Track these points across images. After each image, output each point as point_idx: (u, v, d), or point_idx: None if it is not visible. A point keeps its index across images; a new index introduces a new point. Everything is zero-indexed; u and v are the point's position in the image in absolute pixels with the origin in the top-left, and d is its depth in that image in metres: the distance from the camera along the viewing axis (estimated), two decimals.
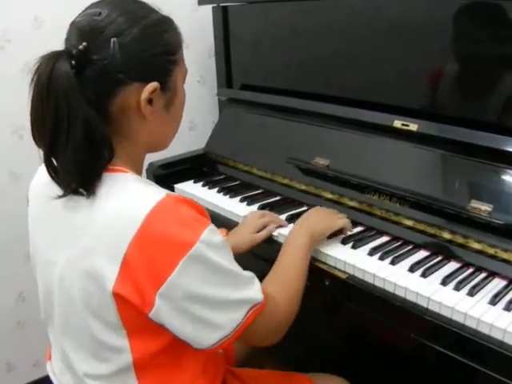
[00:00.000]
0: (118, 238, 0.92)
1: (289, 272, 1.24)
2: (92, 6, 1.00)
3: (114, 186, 0.98)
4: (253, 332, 1.03)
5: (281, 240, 1.53)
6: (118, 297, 0.93)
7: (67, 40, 0.99)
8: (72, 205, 1.00)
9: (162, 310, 0.93)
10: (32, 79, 0.93)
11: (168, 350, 1.01)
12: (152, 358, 1.01)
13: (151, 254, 0.91)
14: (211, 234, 0.95)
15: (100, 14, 0.97)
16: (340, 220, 1.49)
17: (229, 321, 0.97)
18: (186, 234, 0.92)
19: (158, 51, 1.01)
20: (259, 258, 1.57)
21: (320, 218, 1.47)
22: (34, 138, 0.97)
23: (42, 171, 1.08)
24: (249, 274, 1.04)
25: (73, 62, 0.92)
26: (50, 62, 0.92)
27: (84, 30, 0.96)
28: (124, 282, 0.92)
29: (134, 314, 0.95)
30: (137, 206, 0.93)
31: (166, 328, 0.96)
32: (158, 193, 0.95)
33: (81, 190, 0.96)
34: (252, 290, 1.01)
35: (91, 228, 0.95)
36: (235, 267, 1.00)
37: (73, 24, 0.99)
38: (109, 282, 0.92)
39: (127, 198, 0.96)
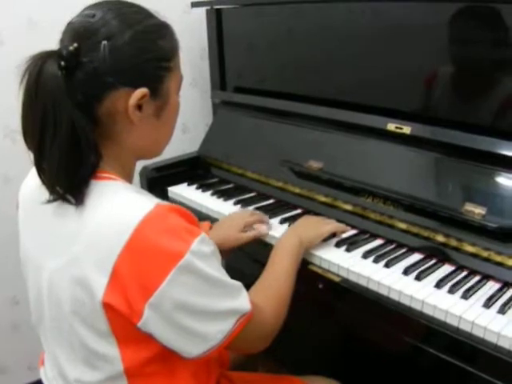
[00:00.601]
0: (107, 247, 0.90)
1: (277, 281, 1.24)
2: (88, 7, 0.99)
3: (103, 194, 0.96)
4: (240, 341, 1.02)
5: (273, 242, 1.53)
6: (107, 306, 0.92)
7: (61, 41, 0.98)
8: (61, 212, 0.98)
9: (150, 321, 0.92)
10: (21, 79, 0.92)
11: (159, 358, 1.00)
12: (143, 366, 1.00)
13: (141, 265, 0.90)
14: (201, 244, 0.93)
15: (94, 15, 0.95)
16: (328, 226, 1.49)
17: (216, 331, 0.97)
18: (176, 245, 0.91)
19: (150, 57, 0.99)
20: (251, 259, 1.57)
21: (308, 226, 1.47)
22: (25, 140, 0.96)
23: (32, 175, 1.07)
24: (236, 283, 1.02)
25: (62, 62, 0.91)
26: (39, 62, 0.91)
27: (77, 32, 0.95)
28: (113, 291, 0.91)
29: (123, 323, 0.94)
30: (127, 215, 0.92)
31: (154, 338, 0.95)
32: (148, 202, 0.94)
33: (69, 196, 0.95)
34: (239, 300, 1.01)
35: (81, 237, 0.94)
36: (223, 277, 0.99)
37: (68, 25, 0.98)
38: (98, 291, 0.91)
39: (117, 207, 0.94)
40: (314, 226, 1.48)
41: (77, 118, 0.91)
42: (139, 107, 1.00)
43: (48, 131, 0.91)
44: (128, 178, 1.08)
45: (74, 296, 0.96)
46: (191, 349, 0.97)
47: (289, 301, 1.22)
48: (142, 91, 0.98)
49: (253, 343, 1.13)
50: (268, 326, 1.13)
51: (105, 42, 0.94)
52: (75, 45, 0.92)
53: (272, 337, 1.15)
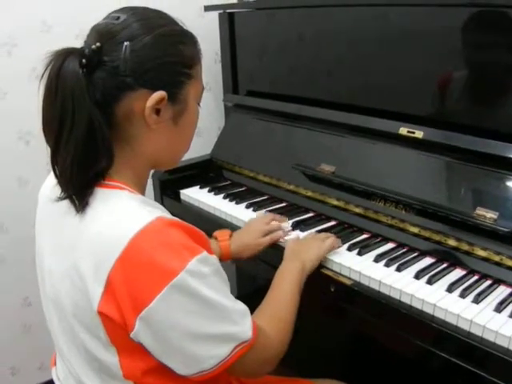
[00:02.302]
0: (103, 257, 0.90)
1: (281, 304, 1.21)
2: (114, 11, 1.01)
3: (105, 202, 0.95)
4: (241, 366, 0.99)
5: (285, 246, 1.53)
6: (103, 316, 0.91)
7: (86, 42, 0.99)
8: (70, 212, 0.97)
9: (141, 333, 0.90)
10: (43, 74, 0.92)
11: (159, 369, 0.98)
12: (144, 376, 0.98)
13: (134, 277, 0.88)
14: (200, 263, 0.91)
15: (118, 18, 0.97)
16: (324, 244, 1.44)
17: (209, 356, 0.94)
18: (171, 262, 0.88)
19: (170, 61, 1.00)
20: (263, 261, 1.57)
21: (308, 247, 1.43)
22: (44, 134, 0.96)
23: (52, 175, 1.07)
24: (240, 308, 0.99)
25: (83, 60, 0.91)
26: (61, 58, 0.91)
27: (101, 32, 0.97)
28: (107, 301, 0.90)
29: (119, 332, 0.93)
30: (124, 226, 0.91)
31: (146, 350, 0.94)
32: (148, 214, 0.92)
33: (74, 198, 0.95)
34: (241, 326, 0.97)
35: (80, 244, 0.94)
36: (224, 299, 0.95)
37: (94, 27, 1.00)
38: (94, 300, 0.91)
39: (116, 217, 0.93)
40: (313, 246, 1.44)
41: (95, 116, 0.92)
42: (157, 111, 1.00)
43: (66, 127, 0.91)
44: (140, 187, 1.08)
45: (75, 302, 0.96)
46: (181, 368, 0.95)
47: (293, 325, 1.19)
48: (159, 94, 0.98)
49: (254, 369, 1.10)
50: (273, 351, 1.10)
51: (126, 43, 0.95)
52: (98, 44, 0.93)
53: (275, 362, 1.12)
